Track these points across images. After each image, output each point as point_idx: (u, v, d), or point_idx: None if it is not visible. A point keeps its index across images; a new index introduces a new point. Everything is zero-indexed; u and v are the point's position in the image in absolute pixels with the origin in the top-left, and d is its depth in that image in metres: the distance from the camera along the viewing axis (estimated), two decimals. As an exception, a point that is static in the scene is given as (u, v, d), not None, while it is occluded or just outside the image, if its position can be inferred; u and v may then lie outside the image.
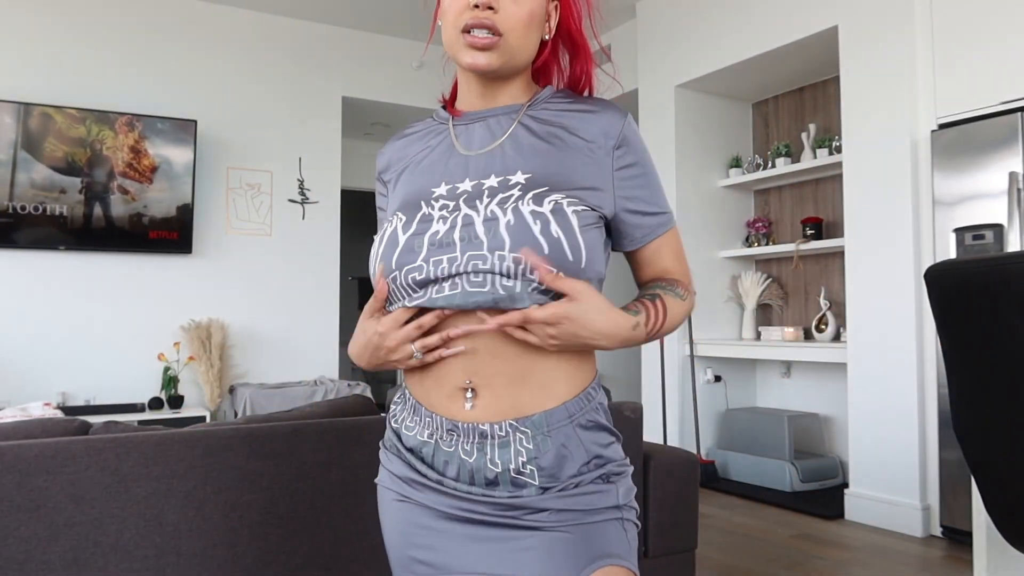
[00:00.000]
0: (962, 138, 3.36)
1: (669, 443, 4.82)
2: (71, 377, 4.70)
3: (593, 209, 0.96)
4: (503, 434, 0.92)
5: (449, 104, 1.10)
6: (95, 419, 2.10)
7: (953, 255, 3.38)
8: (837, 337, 4.40)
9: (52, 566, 1.55)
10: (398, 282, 0.94)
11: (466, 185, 0.97)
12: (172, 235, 4.90)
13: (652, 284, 1.06)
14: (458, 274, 0.91)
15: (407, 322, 0.94)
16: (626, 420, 2.26)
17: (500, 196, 0.94)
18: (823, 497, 4.14)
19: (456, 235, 0.92)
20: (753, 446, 4.55)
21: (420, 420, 0.98)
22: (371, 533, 1.88)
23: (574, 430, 0.94)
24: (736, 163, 5.03)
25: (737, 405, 5.00)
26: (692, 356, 4.78)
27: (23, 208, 4.48)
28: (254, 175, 5.32)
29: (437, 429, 0.96)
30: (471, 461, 0.93)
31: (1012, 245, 3.17)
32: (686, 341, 4.81)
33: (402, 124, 6.47)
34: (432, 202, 0.97)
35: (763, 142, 5.18)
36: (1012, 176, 3.16)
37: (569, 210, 0.92)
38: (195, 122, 4.97)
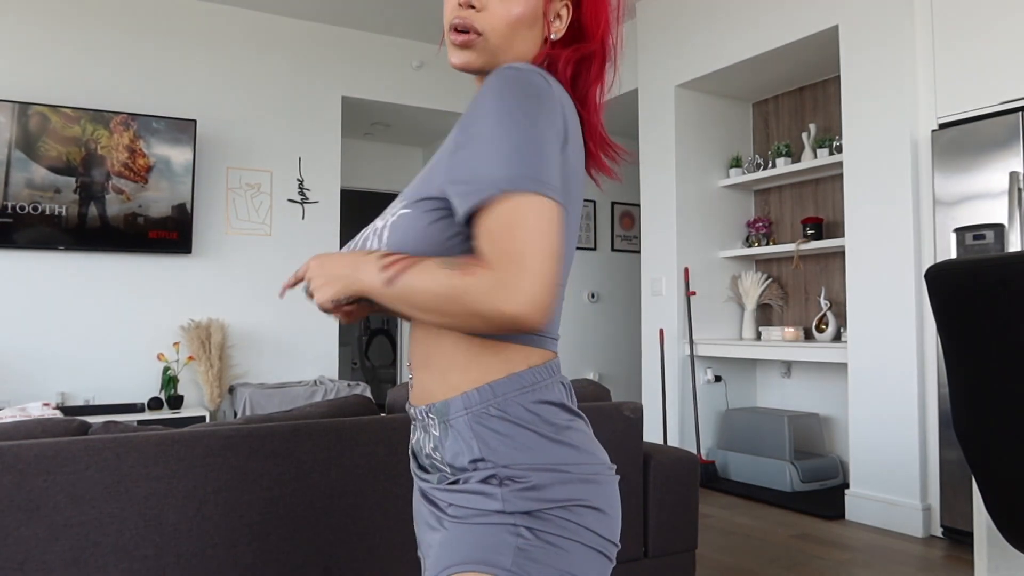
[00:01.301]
0: (962, 138, 3.36)
1: (669, 443, 4.82)
2: (70, 377, 4.70)
3: (418, 206, 0.91)
4: (421, 418, 0.95)
5: None
6: (95, 419, 2.10)
7: (953, 255, 3.37)
8: (837, 337, 4.40)
9: (52, 566, 1.55)
10: None
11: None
12: (172, 235, 4.90)
13: None
14: None
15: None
16: (626, 420, 2.26)
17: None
18: (823, 497, 4.14)
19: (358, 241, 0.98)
20: (753, 446, 4.55)
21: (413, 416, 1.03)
22: (371, 533, 1.88)
23: (469, 423, 0.89)
24: (736, 163, 5.03)
25: (737, 405, 5.00)
26: (692, 356, 4.78)
27: (22, 208, 4.48)
28: (254, 175, 5.32)
29: (418, 421, 0.98)
30: (413, 443, 0.99)
31: (1012, 245, 3.17)
32: (686, 341, 4.81)
33: (402, 124, 6.48)
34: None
35: (763, 142, 5.18)
36: (1012, 176, 3.16)
37: (408, 216, 0.91)
38: (195, 122, 4.97)
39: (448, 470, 0.91)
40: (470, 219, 0.84)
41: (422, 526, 0.98)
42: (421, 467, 0.97)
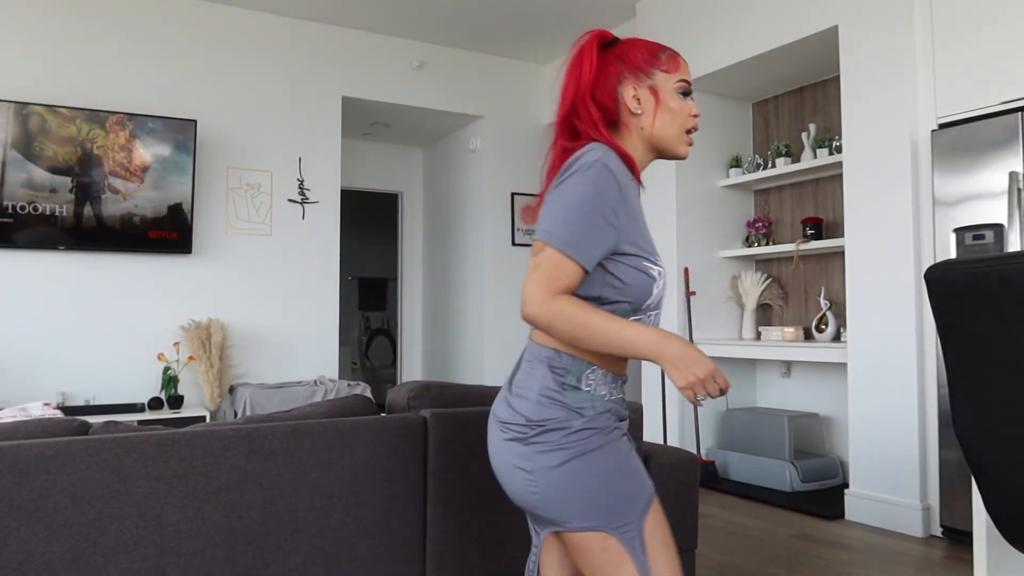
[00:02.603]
0: (962, 138, 3.36)
1: (669, 443, 4.82)
2: (71, 377, 4.70)
3: None
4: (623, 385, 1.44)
5: (629, 156, 1.40)
6: (95, 419, 2.10)
7: (953, 255, 3.38)
8: (837, 337, 4.40)
9: (52, 566, 1.55)
10: (642, 322, 1.35)
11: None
12: (172, 235, 4.90)
13: None
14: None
15: None
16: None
17: None
18: (823, 497, 4.14)
19: (663, 296, 1.42)
20: (753, 446, 4.55)
21: (615, 384, 1.37)
22: (371, 533, 1.88)
23: None
24: (736, 163, 5.03)
25: (737, 405, 5.00)
26: (692, 356, 4.78)
27: (22, 208, 4.48)
28: (254, 175, 5.32)
29: (620, 386, 1.39)
30: (621, 405, 1.40)
31: (1012, 245, 3.17)
32: (686, 341, 4.81)
33: (402, 124, 6.49)
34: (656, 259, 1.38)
35: (763, 142, 5.18)
36: (1012, 176, 3.16)
37: None
38: (195, 122, 4.97)
39: None
40: None
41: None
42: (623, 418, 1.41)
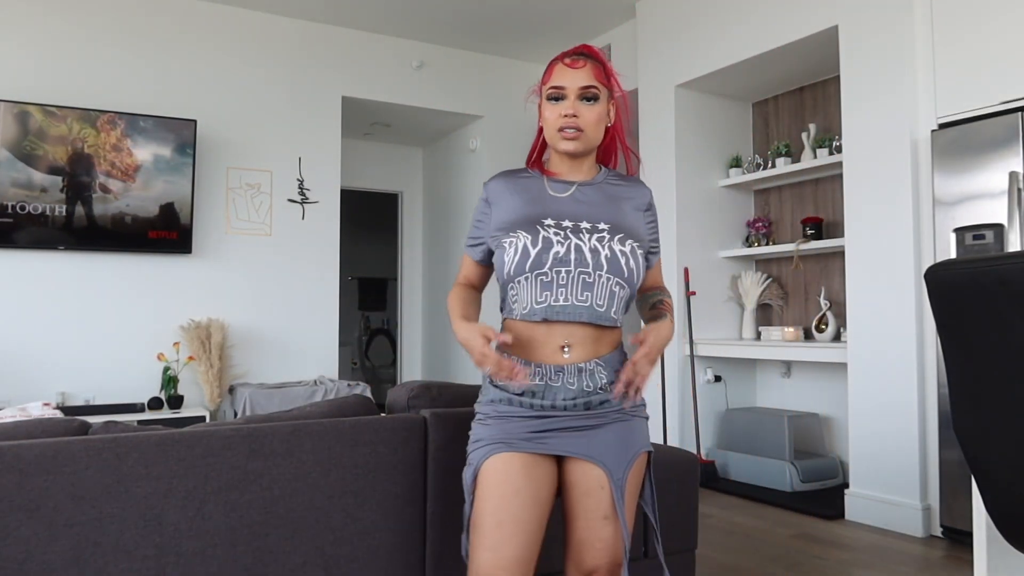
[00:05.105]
0: (962, 138, 3.36)
1: (669, 443, 4.82)
2: (71, 377, 4.70)
3: (640, 247, 1.58)
4: (591, 368, 1.53)
5: (537, 162, 1.70)
6: (95, 419, 2.10)
7: (953, 255, 3.38)
8: (837, 337, 4.40)
9: (52, 566, 1.55)
10: (529, 281, 1.52)
11: (567, 223, 1.55)
12: (172, 235, 4.90)
13: (650, 292, 1.71)
14: (568, 285, 1.50)
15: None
16: (626, 420, 2.26)
17: (596, 235, 1.54)
18: (823, 497, 4.14)
19: (572, 256, 1.51)
20: (753, 446, 4.55)
21: (529, 372, 1.50)
22: (371, 533, 1.88)
23: (621, 364, 1.57)
24: (736, 163, 5.03)
25: (737, 405, 5.00)
26: (692, 356, 4.78)
27: (22, 208, 4.48)
28: (254, 175, 5.32)
29: (546, 374, 1.52)
30: (574, 386, 1.53)
31: (1012, 245, 3.17)
32: (686, 341, 4.81)
33: (402, 124, 6.50)
34: (546, 227, 1.53)
35: (763, 142, 5.18)
36: (1012, 176, 3.16)
37: (639, 252, 1.56)
38: (195, 122, 4.97)
39: (610, 392, 1.54)
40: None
41: (569, 431, 1.52)
42: (578, 398, 1.52)
